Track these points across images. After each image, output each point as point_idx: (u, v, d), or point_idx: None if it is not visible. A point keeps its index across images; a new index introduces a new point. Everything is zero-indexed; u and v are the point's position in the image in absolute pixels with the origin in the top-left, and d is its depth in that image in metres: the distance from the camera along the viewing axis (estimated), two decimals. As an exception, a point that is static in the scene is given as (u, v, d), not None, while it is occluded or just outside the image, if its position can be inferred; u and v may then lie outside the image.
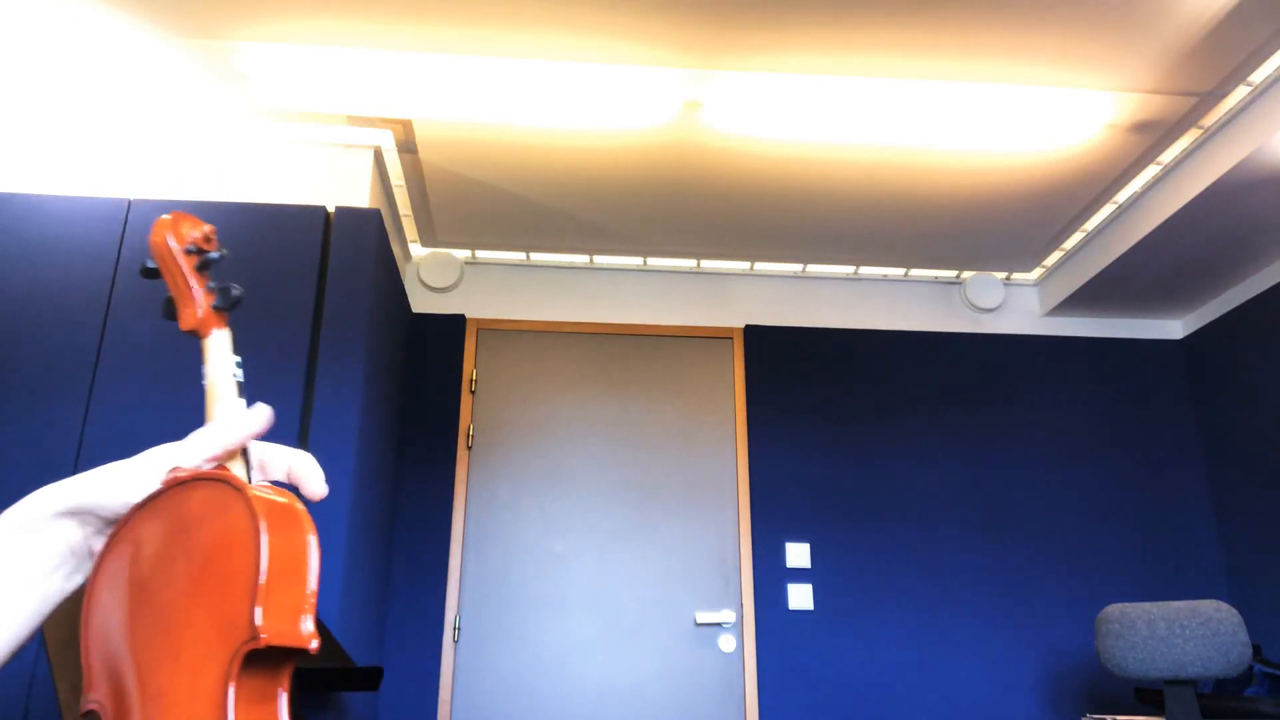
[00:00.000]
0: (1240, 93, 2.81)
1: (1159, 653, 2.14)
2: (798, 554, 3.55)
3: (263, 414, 0.62)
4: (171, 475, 0.57)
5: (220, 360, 0.66)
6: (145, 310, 2.60)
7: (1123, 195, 3.38)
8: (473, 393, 3.69)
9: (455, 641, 3.38)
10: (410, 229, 3.69)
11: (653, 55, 2.69)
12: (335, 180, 3.00)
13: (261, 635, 0.50)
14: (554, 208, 3.49)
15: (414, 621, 3.36)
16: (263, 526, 0.53)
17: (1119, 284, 3.70)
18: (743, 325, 3.89)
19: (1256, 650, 3.13)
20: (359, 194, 2.98)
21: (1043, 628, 3.54)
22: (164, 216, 0.70)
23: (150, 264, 0.70)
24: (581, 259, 3.91)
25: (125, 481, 0.57)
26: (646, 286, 3.95)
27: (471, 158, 3.18)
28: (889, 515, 3.64)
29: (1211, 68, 2.70)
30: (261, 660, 0.52)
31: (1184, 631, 2.14)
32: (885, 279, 4.04)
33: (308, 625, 0.53)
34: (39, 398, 2.47)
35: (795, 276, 4.01)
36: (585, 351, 3.80)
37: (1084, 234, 3.67)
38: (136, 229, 2.68)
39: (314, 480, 0.63)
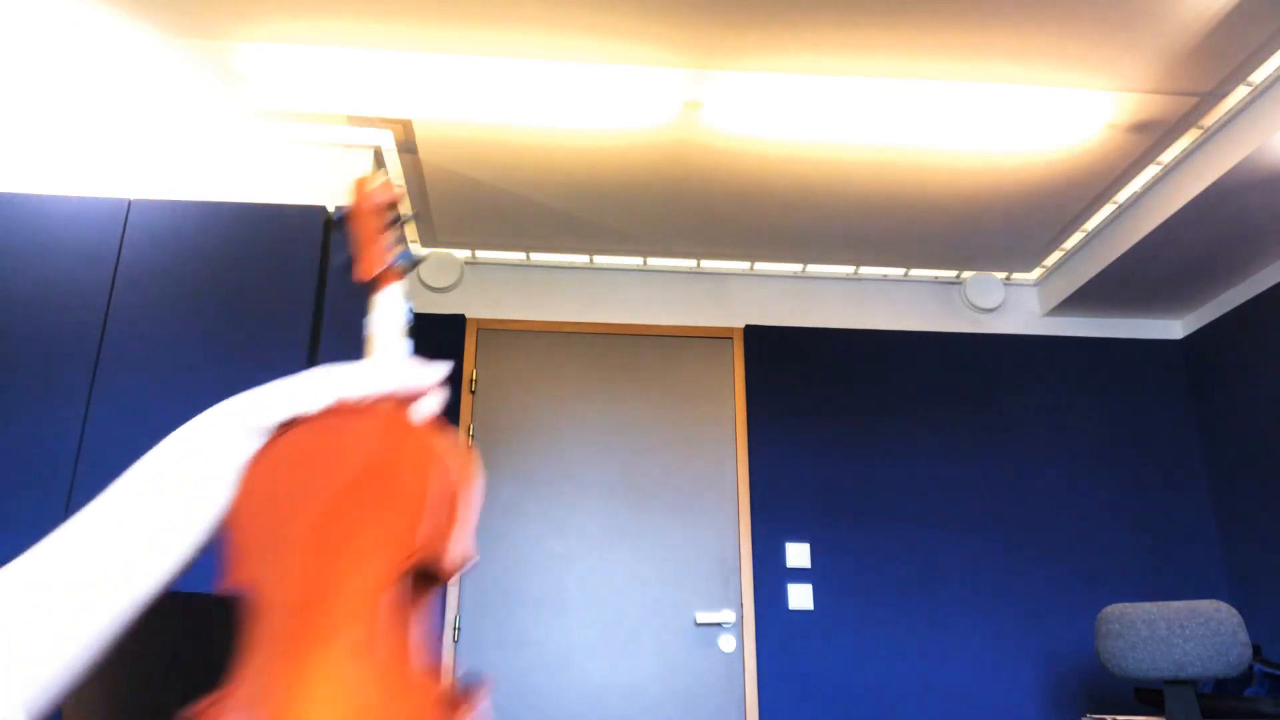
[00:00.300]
0: (1240, 93, 2.81)
1: (1159, 653, 2.14)
2: (798, 554, 3.55)
3: (434, 374, 0.66)
4: (342, 399, 0.63)
5: (388, 311, 0.73)
6: (145, 310, 2.60)
7: (1123, 195, 3.38)
8: (473, 393, 3.69)
9: (455, 641, 3.38)
10: (410, 229, 3.69)
11: (653, 55, 2.69)
12: (335, 180, 3.00)
13: (426, 553, 0.56)
14: (554, 208, 3.49)
15: (414, 621, 3.36)
16: (438, 453, 0.58)
17: (1119, 284, 3.70)
18: (743, 325, 3.89)
19: (1256, 650, 3.13)
20: (359, 194, 2.98)
21: (1043, 628, 3.53)
22: (361, 176, 0.78)
23: (339, 214, 0.78)
24: (581, 259, 3.91)
25: (302, 396, 0.63)
26: (646, 286, 3.95)
27: (471, 158, 3.18)
28: (889, 515, 3.64)
29: (1211, 68, 2.70)
30: (415, 577, 0.57)
31: (1184, 631, 2.14)
32: (885, 279, 4.04)
33: (465, 549, 0.59)
34: (39, 398, 2.47)
35: (795, 276, 4.01)
36: (585, 351, 3.80)
37: (1084, 234, 3.67)
38: (136, 229, 2.68)
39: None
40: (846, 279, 4.03)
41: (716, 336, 3.87)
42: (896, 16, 2.52)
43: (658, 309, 3.91)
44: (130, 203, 2.72)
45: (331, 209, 2.82)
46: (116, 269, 2.63)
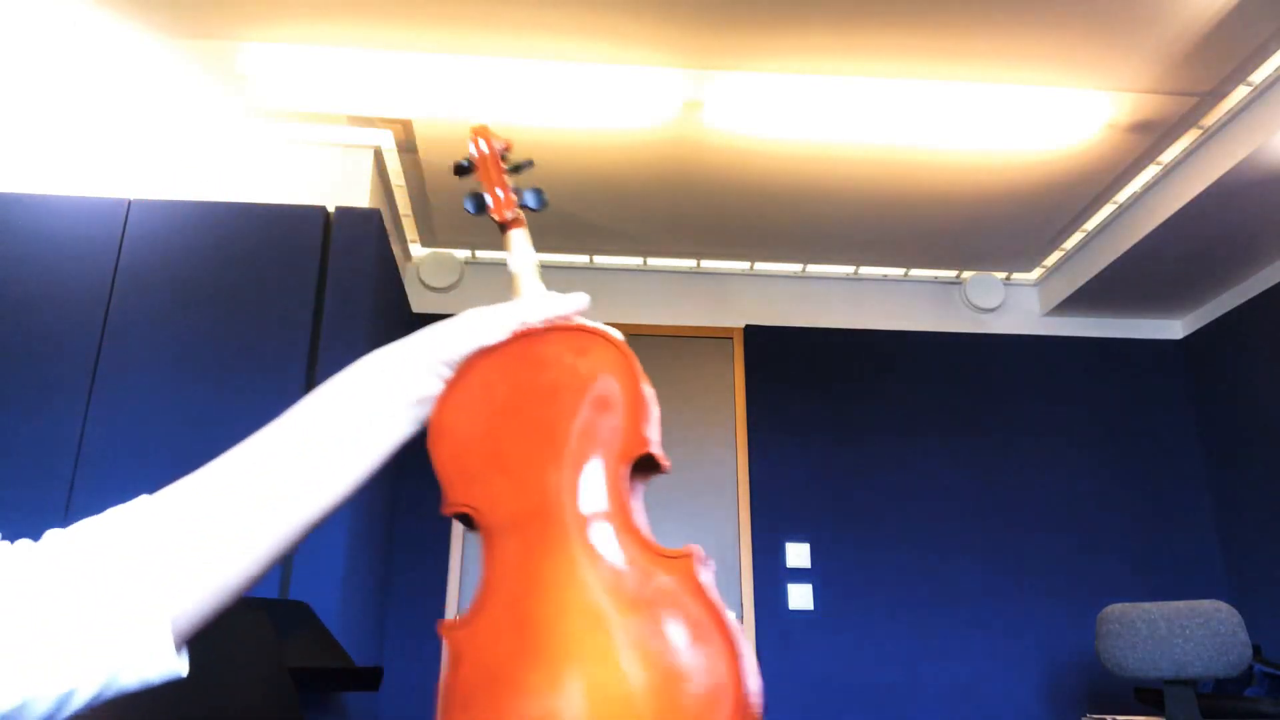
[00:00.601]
0: (1240, 93, 2.81)
1: (1159, 653, 2.14)
2: (798, 554, 3.55)
3: (582, 300, 0.71)
4: (523, 326, 0.68)
5: (525, 251, 0.79)
6: (145, 310, 2.60)
7: (1123, 195, 3.38)
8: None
9: (455, 641, 3.38)
10: (410, 229, 3.69)
11: (653, 55, 2.69)
12: (335, 180, 3.00)
13: (650, 449, 0.62)
14: (554, 208, 3.49)
15: (414, 621, 3.36)
16: (635, 363, 0.65)
17: (1119, 284, 3.69)
18: (743, 325, 3.89)
19: (1256, 650, 3.13)
20: (359, 194, 2.98)
21: (1043, 628, 3.53)
22: (477, 124, 0.83)
23: (464, 162, 0.83)
24: (581, 259, 3.91)
25: (482, 329, 0.68)
26: (646, 286, 3.95)
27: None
28: (889, 515, 3.64)
29: (1211, 68, 2.70)
30: (637, 468, 0.63)
31: (1184, 631, 2.14)
32: (885, 279, 4.04)
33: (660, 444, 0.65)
34: (39, 398, 2.47)
35: (795, 276, 4.01)
36: (585, 351, 3.79)
37: (1084, 234, 3.67)
38: (136, 229, 2.68)
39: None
40: (846, 279, 4.03)
41: (716, 336, 3.87)
42: (896, 17, 2.52)
43: (658, 309, 3.91)
44: (130, 203, 2.71)
45: (331, 208, 2.82)
46: (116, 269, 2.63)
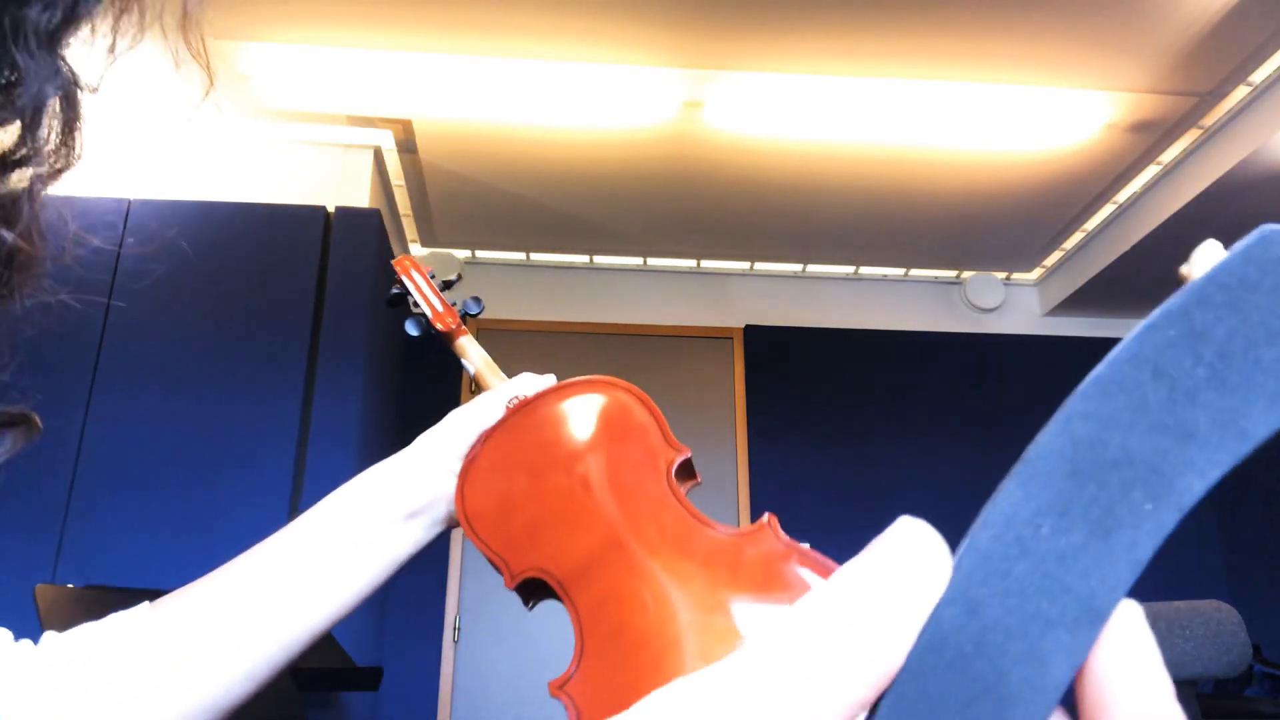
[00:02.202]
0: (1240, 93, 2.81)
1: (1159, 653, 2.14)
2: (798, 554, 3.54)
3: (549, 378, 0.74)
4: (516, 399, 0.71)
5: (478, 351, 0.84)
6: (145, 311, 2.60)
7: (1123, 195, 3.38)
8: (473, 392, 3.68)
9: (455, 641, 3.38)
10: (410, 229, 3.69)
11: (652, 56, 2.69)
12: (335, 180, 3.00)
13: (683, 452, 0.66)
14: (554, 208, 3.49)
15: (414, 621, 3.36)
16: (634, 389, 0.69)
17: (1119, 284, 3.69)
18: (743, 325, 3.89)
19: (1256, 650, 3.13)
20: (359, 194, 2.98)
21: (1043, 628, 3.53)
22: (396, 258, 0.89)
23: (395, 292, 0.88)
24: (581, 259, 3.91)
25: (477, 413, 0.70)
26: (646, 286, 3.95)
27: (471, 158, 3.18)
28: (889, 515, 3.60)
29: (1211, 68, 2.70)
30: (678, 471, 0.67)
31: (1184, 631, 2.14)
32: (885, 279, 4.03)
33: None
34: (39, 398, 2.47)
35: (795, 276, 4.01)
36: (585, 351, 3.80)
37: (1084, 234, 3.67)
38: (136, 229, 2.68)
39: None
40: (846, 279, 4.03)
41: (716, 336, 3.87)
42: (896, 17, 2.52)
43: (658, 309, 3.91)
44: (130, 203, 2.71)
45: (331, 208, 2.82)
46: (116, 269, 2.63)
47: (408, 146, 3.14)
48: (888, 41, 2.62)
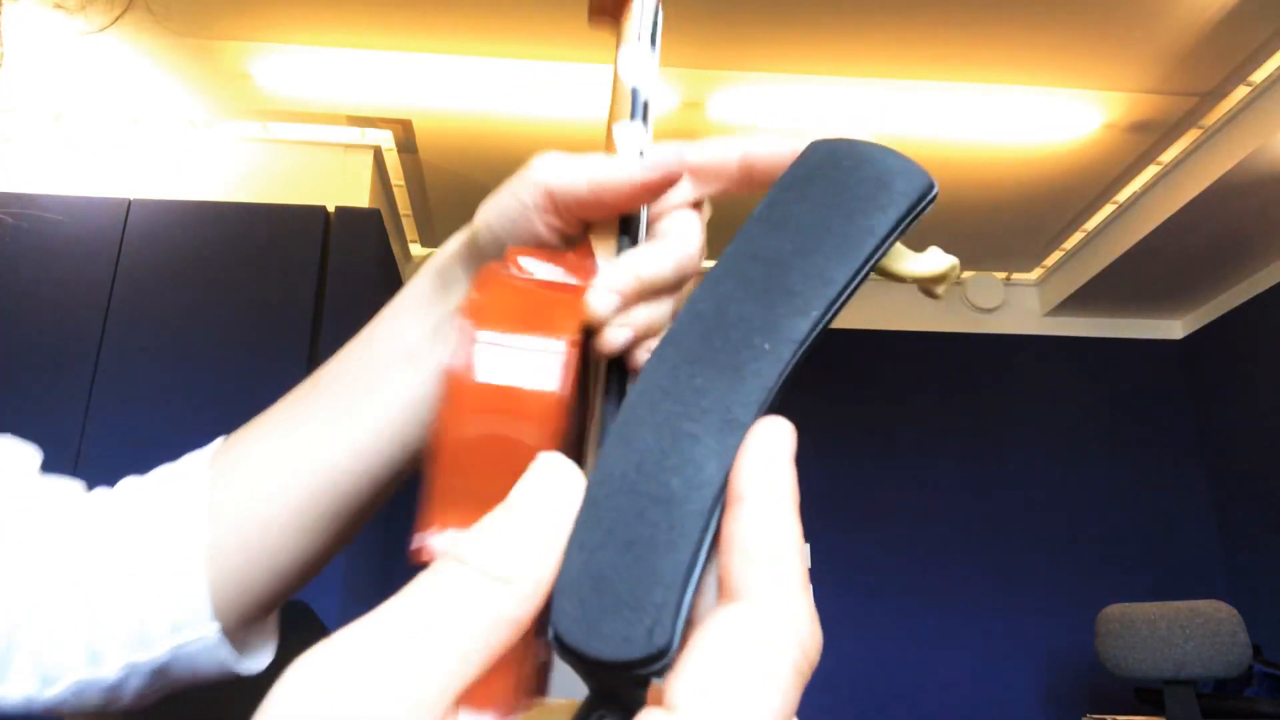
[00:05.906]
0: (1240, 93, 2.81)
1: (1159, 653, 2.14)
2: (798, 554, 3.55)
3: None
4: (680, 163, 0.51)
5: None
6: (145, 310, 2.60)
7: (1123, 195, 3.38)
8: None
9: (455, 641, 3.37)
10: (410, 229, 3.69)
11: (653, 55, 2.69)
12: (335, 180, 3.00)
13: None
14: (554, 208, 3.49)
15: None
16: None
17: (1119, 284, 3.69)
18: (743, 325, 3.89)
19: (1256, 650, 3.13)
20: (359, 194, 2.98)
21: (1043, 628, 3.53)
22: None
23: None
24: (581, 259, 3.91)
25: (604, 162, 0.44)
26: (646, 286, 3.95)
27: (472, 158, 3.18)
28: (888, 515, 3.64)
29: (1211, 68, 2.70)
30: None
31: (1184, 631, 2.14)
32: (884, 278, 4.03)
33: None
34: (39, 397, 2.47)
35: (795, 276, 4.01)
36: (585, 351, 3.79)
37: (1084, 234, 3.67)
38: (136, 229, 2.68)
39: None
40: (846, 279, 4.03)
41: (716, 336, 3.87)
42: (896, 17, 2.52)
43: (658, 309, 3.91)
44: (130, 203, 2.71)
45: (331, 208, 2.82)
46: (116, 269, 2.63)
47: (408, 146, 3.14)
48: (887, 42, 2.62)
